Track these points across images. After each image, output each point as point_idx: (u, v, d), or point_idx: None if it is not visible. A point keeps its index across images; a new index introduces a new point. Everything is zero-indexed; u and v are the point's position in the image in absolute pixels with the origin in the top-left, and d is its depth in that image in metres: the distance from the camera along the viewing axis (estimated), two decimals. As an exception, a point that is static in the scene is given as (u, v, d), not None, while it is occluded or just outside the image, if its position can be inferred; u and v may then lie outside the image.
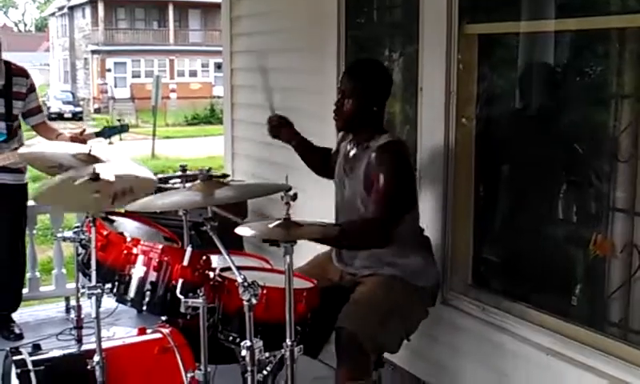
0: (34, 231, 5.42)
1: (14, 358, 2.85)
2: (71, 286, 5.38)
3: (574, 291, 3.48)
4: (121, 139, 4.73)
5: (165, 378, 2.91)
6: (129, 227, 3.38)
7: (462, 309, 3.71)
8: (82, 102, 39.42)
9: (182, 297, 2.71)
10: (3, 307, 4.94)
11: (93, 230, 2.87)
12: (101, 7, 40.90)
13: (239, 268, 2.66)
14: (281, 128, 3.74)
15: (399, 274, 3.23)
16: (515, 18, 3.66)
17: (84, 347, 3.10)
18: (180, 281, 2.74)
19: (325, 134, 4.61)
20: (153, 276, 2.84)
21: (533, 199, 3.69)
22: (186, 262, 2.76)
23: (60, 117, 32.89)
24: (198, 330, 2.76)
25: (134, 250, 2.90)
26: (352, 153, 3.32)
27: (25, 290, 5.31)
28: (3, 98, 4.52)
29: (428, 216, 3.65)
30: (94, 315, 2.76)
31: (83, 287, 2.86)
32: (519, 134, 3.77)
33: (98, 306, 2.76)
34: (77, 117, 35.39)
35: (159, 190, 3.33)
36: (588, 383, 3.06)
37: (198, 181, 2.81)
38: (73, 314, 3.37)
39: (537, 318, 3.38)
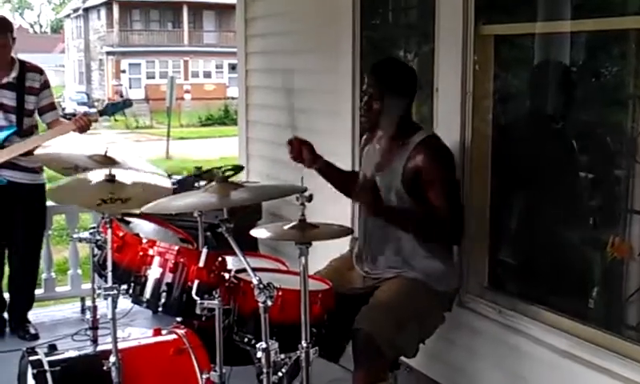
0: (50, 232, 5.44)
1: (31, 358, 2.86)
2: (86, 286, 5.40)
3: (591, 294, 3.46)
4: (124, 115, 4.76)
5: (180, 379, 2.91)
6: (145, 229, 3.39)
7: (478, 311, 3.69)
8: (96, 103, 39.55)
9: (197, 298, 2.71)
10: (17, 307, 4.97)
11: (109, 231, 2.87)
12: (116, 9, 41.09)
13: (254, 269, 2.66)
14: (302, 151, 3.53)
15: (422, 277, 3.22)
16: (531, 19, 3.65)
17: (100, 348, 3.11)
18: (196, 282, 2.74)
19: (339, 133, 4.63)
20: (169, 277, 2.84)
21: (549, 201, 3.66)
22: (201, 264, 2.76)
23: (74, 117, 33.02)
24: (213, 331, 2.76)
25: (150, 252, 2.90)
26: (384, 150, 3.31)
27: (40, 291, 5.35)
28: (15, 92, 4.56)
29: (444, 218, 3.63)
30: (110, 316, 2.77)
31: (99, 288, 2.87)
32: (535, 135, 3.75)
33: (114, 306, 2.77)
34: (92, 118, 35.49)
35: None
36: (604, 385, 3.04)
37: (214, 182, 2.81)
38: (88, 315, 3.37)
39: (553, 321, 3.36)
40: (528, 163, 3.74)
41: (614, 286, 3.39)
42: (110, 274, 2.84)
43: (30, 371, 2.83)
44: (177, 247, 2.93)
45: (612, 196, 3.44)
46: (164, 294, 2.84)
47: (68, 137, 4.62)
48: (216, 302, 2.69)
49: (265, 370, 2.56)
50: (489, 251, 3.80)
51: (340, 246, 3.47)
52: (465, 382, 3.78)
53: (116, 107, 4.81)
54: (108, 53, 41.48)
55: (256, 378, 2.90)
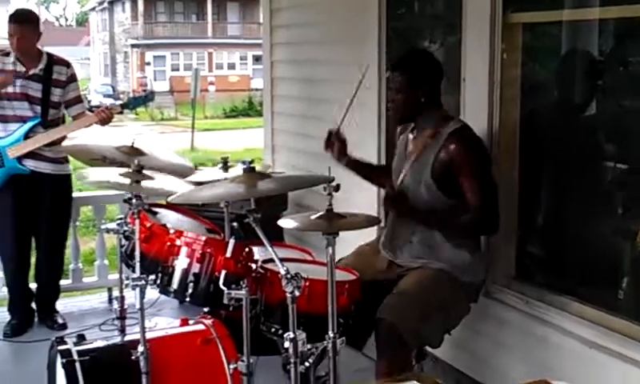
0: (77, 223, 5.49)
1: (60, 347, 2.89)
2: (113, 276, 5.44)
3: (620, 284, 3.42)
4: (146, 108, 4.82)
5: (207, 368, 2.93)
6: (171, 219, 3.40)
7: (505, 302, 3.67)
8: (121, 96, 39.77)
9: (224, 288, 2.72)
10: (45, 297, 5.02)
11: (137, 221, 2.89)
12: (140, 1, 41.26)
13: (281, 260, 2.66)
14: (335, 145, 3.55)
15: (448, 268, 3.21)
16: (559, 7, 3.61)
17: (127, 338, 3.13)
18: (223, 272, 2.75)
19: (365, 125, 4.61)
20: (196, 267, 2.86)
21: (577, 191, 3.62)
22: (228, 254, 2.76)
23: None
24: (239, 321, 2.76)
25: (177, 242, 2.92)
26: (415, 141, 3.32)
27: (68, 281, 5.40)
28: (41, 84, 4.61)
29: (471, 208, 3.61)
30: (137, 306, 2.78)
31: (127, 278, 2.88)
32: (564, 125, 3.71)
33: (142, 296, 2.78)
34: (117, 110, 35.71)
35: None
36: (633, 376, 3.01)
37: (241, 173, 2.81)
38: (115, 305, 3.40)
39: (581, 311, 3.33)
40: (556, 153, 3.71)
41: (643, 277, 3.35)
42: (137, 265, 2.85)
43: (59, 360, 2.85)
44: (204, 237, 2.94)
45: (641, 186, 3.40)
46: (191, 285, 2.85)
47: (94, 129, 4.66)
48: (243, 292, 2.69)
49: (292, 360, 2.56)
50: (516, 242, 3.77)
51: (367, 236, 3.46)
52: (491, 373, 3.76)
53: (138, 101, 4.88)
54: (133, 45, 41.67)
55: (282, 368, 2.91)
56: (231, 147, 20.49)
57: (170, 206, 3.61)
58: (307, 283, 2.69)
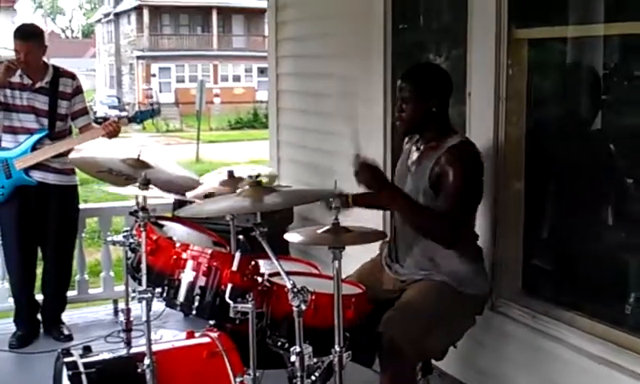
0: (83, 234, 5.50)
1: (65, 359, 2.89)
2: (119, 288, 5.46)
3: (627, 299, 3.41)
4: (153, 123, 4.85)
5: (213, 382, 2.93)
6: (178, 232, 3.40)
7: (511, 316, 3.66)
8: (127, 107, 39.84)
9: (231, 302, 2.72)
10: (51, 308, 5.02)
11: (143, 234, 2.89)
12: (146, 13, 41.43)
13: (287, 273, 2.66)
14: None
15: (449, 280, 3.20)
16: (564, 23, 3.62)
17: (133, 350, 3.13)
18: (229, 286, 2.75)
19: (372, 139, 4.62)
20: (202, 280, 2.86)
21: (584, 205, 3.62)
22: (235, 267, 2.76)
23: (105, 121, 33.26)
24: (245, 334, 2.77)
25: (184, 255, 2.92)
26: (417, 152, 3.32)
27: (74, 292, 5.40)
28: (48, 97, 4.65)
29: (477, 221, 3.61)
30: (144, 319, 2.79)
31: (133, 291, 2.88)
32: (570, 139, 3.71)
33: (149, 310, 2.78)
34: (122, 121, 35.76)
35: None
36: (641, 393, 3.00)
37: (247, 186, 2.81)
38: (121, 317, 3.39)
39: (588, 326, 3.32)
40: (562, 167, 3.71)
41: (651, 292, 3.35)
42: (144, 277, 2.86)
43: (65, 372, 2.85)
44: (210, 251, 2.94)
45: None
46: (197, 298, 2.85)
47: (100, 140, 4.69)
48: (249, 305, 2.70)
49: (298, 374, 2.56)
50: (522, 255, 3.77)
51: (370, 250, 3.46)
52: (498, 387, 3.75)
53: (145, 115, 4.89)
54: (138, 57, 41.81)
55: (287, 382, 2.90)
56: (236, 159, 20.52)
57: (176, 219, 3.62)
58: (313, 297, 2.68)
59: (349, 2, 4.99)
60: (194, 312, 2.88)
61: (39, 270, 5.02)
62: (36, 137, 4.60)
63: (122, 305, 4.24)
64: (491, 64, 3.64)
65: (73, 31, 73.91)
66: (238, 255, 2.80)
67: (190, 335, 3.18)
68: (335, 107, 5.16)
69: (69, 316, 5.21)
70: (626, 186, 3.51)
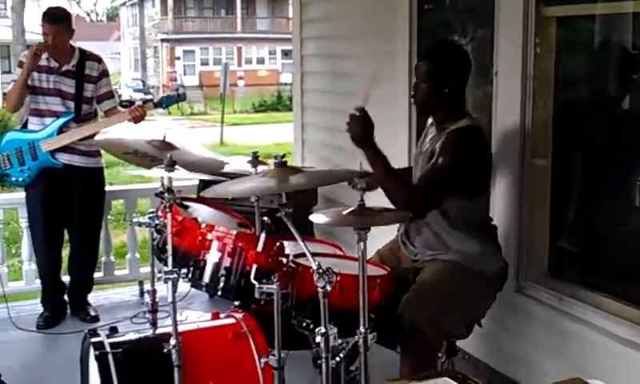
0: (109, 216, 5.53)
1: (92, 340, 2.90)
2: (144, 270, 5.49)
3: (655, 281, 3.37)
4: (178, 107, 4.86)
5: (238, 362, 2.92)
6: (202, 213, 3.41)
7: (537, 298, 3.64)
8: (151, 90, 40.01)
9: (256, 282, 2.72)
10: (77, 289, 5.07)
11: (168, 215, 2.89)
12: (170, -4, 41.49)
13: (313, 254, 2.65)
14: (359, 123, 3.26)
15: (459, 259, 3.19)
16: (593, 0, 3.56)
17: (159, 331, 3.14)
18: (254, 266, 2.74)
19: (396, 120, 4.59)
20: (227, 261, 2.87)
21: (611, 186, 3.58)
22: (260, 248, 2.76)
23: (131, 104, 32.71)
24: (269, 315, 2.76)
25: (209, 236, 2.93)
26: (431, 134, 3.31)
27: (100, 274, 5.44)
28: (74, 80, 4.67)
29: (503, 203, 3.59)
30: (170, 299, 2.79)
31: (159, 272, 2.89)
32: (598, 119, 3.66)
33: (175, 290, 2.79)
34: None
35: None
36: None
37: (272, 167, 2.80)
38: (147, 298, 3.41)
39: (616, 309, 3.30)
40: (589, 148, 3.67)
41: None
42: (170, 258, 2.86)
43: (92, 352, 2.87)
44: (235, 232, 2.94)
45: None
46: (222, 279, 2.86)
47: (124, 125, 4.70)
48: (274, 286, 2.69)
49: (324, 355, 2.55)
50: (549, 237, 3.74)
51: (393, 230, 3.45)
52: (524, 370, 3.73)
53: (170, 100, 4.90)
54: (163, 40, 41.88)
55: (312, 362, 2.90)
56: (260, 141, 20.53)
57: (201, 200, 3.62)
58: (338, 278, 2.67)
59: (374, -19, 4.95)
60: (219, 293, 2.89)
61: (65, 252, 5.06)
62: (62, 120, 4.63)
63: (147, 286, 4.26)
64: (518, 43, 3.59)
65: (97, 14, 74.19)
66: (263, 236, 2.79)
67: (215, 316, 3.18)
68: (360, 88, 5.12)
69: (95, 297, 5.25)
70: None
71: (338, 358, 2.64)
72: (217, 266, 2.88)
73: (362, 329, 2.60)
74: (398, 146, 4.47)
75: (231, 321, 3.06)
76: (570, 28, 3.79)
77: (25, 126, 4.82)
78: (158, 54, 43.07)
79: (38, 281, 5.08)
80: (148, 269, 3.84)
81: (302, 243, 2.64)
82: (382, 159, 3.17)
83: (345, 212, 2.64)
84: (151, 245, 3.30)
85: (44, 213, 4.76)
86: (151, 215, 3.24)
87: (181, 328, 2.86)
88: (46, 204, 4.75)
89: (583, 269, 3.70)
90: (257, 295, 2.72)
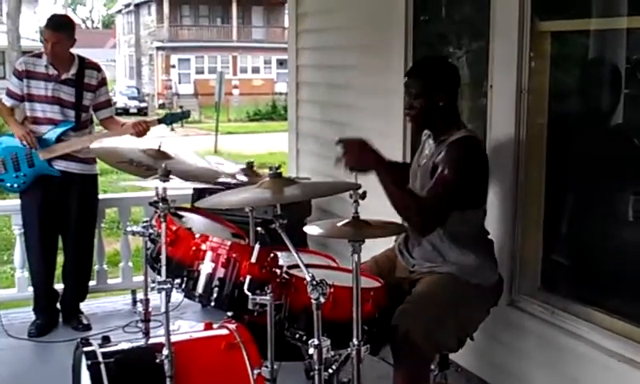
0: (102, 224, 5.52)
1: (85, 349, 2.89)
2: (137, 279, 5.48)
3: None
4: (182, 126, 4.86)
5: (231, 373, 2.92)
6: (197, 223, 3.41)
7: (530, 311, 3.64)
8: (146, 98, 40.05)
9: (249, 293, 2.72)
10: (71, 298, 5.05)
11: (163, 225, 2.89)
12: (166, 4, 41.49)
13: (307, 266, 2.65)
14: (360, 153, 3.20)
15: (455, 271, 3.19)
16: (588, 15, 3.59)
17: (152, 340, 3.13)
18: (248, 277, 2.74)
19: (391, 132, 4.60)
20: (221, 272, 2.86)
21: (605, 200, 3.59)
22: (254, 259, 2.76)
23: (125, 112, 33.39)
24: (262, 326, 2.76)
25: (203, 246, 2.93)
26: (429, 148, 3.32)
27: (92, 282, 5.42)
28: (74, 88, 4.67)
29: (496, 216, 3.60)
30: (163, 309, 2.79)
31: (153, 281, 2.89)
32: (592, 133, 3.68)
33: (168, 300, 2.79)
34: (142, 112, 35.88)
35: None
36: (661, 391, 2.98)
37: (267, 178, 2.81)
38: (139, 307, 3.40)
39: (608, 323, 3.30)
40: (584, 161, 3.68)
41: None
42: (163, 268, 2.86)
43: (84, 362, 2.86)
44: (229, 242, 2.94)
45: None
46: (216, 289, 2.86)
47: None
48: (268, 297, 2.69)
49: (316, 367, 2.55)
50: (542, 250, 3.75)
51: (388, 242, 3.45)
52: (515, 383, 3.73)
53: (175, 117, 4.91)
54: (158, 48, 41.92)
55: (304, 373, 2.90)
56: (255, 150, 20.55)
57: (196, 210, 3.62)
58: (332, 290, 2.68)
59: (370, -7, 4.97)
60: (212, 303, 2.89)
61: (59, 259, 5.05)
62: (62, 128, 4.63)
63: (140, 295, 4.26)
64: (513, 57, 3.61)
65: (93, 21, 74.27)
66: (257, 247, 2.80)
67: (208, 326, 3.18)
68: (355, 100, 5.15)
69: (87, 306, 5.23)
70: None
71: (330, 370, 2.65)
72: (210, 277, 2.87)
73: (355, 341, 2.60)
74: (392, 157, 4.46)
75: (224, 331, 3.05)
76: (564, 43, 3.80)
77: (18, 131, 4.80)
78: (154, 61, 43.09)
79: (31, 288, 5.06)
80: (141, 278, 3.83)
81: (296, 255, 2.64)
82: (387, 169, 3.16)
83: (339, 224, 2.65)
84: (145, 254, 3.29)
85: (40, 220, 4.75)
86: (145, 224, 3.24)
87: (173, 338, 2.86)
88: (42, 211, 4.74)
89: (576, 283, 3.70)
90: (250, 306, 2.72)
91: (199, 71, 41.72)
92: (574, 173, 3.73)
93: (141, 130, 4.62)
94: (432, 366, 3.26)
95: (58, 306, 5.04)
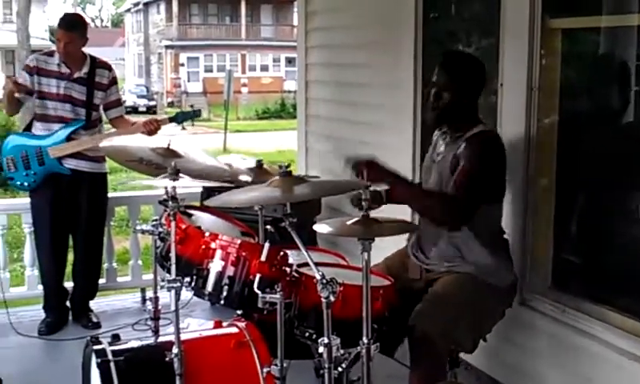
0: (111, 222, 5.53)
1: (95, 347, 2.89)
2: (147, 277, 5.48)
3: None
4: (193, 124, 4.86)
5: (241, 372, 2.91)
6: (206, 221, 3.40)
7: (541, 310, 3.63)
8: (155, 96, 40.12)
9: (259, 292, 2.71)
10: (81, 296, 5.06)
11: (172, 223, 2.89)
12: (175, 3, 41.56)
13: (316, 264, 2.64)
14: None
15: (474, 271, 3.19)
16: (598, 13, 3.57)
17: (161, 339, 3.13)
18: (257, 276, 2.74)
19: (401, 129, 4.59)
20: (230, 270, 2.85)
21: (616, 198, 3.57)
22: (263, 258, 2.75)
23: (134, 110, 33.48)
24: (271, 324, 2.75)
25: (212, 245, 2.91)
26: (444, 142, 3.30)
27: (102, 280, 5.43)
28: (85, 87, 4.68)
29: (507, 214, 3.57)
30: (172, 308, 2.79)
31: (162, 280, 2.88)
32: (603, 131, 3.66)
33: (178, 299, 2.78)
34: (151, 110, 35.99)
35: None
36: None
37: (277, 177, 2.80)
38: (149, 305, 3.40)
39: (620, 322, 3.28)
40: (594, 160, 3.65)
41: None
42: (173, 267, 2.85)
43: (94, 360, 2.86)
44: (239, 241, 2.93)
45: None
46: (226, 287, 2.85)
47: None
48: (278, 296, 2.68)
49: (326, 366, 2.54)
50: (553, 249, 3.73)
51: (398, 241, 3.44)
52: (526, 382, 3.72)
53: (186, 115, 4.92)
54: (167, 46, 41.99)
55: (314, 372, 2.89)
56: (263, 149, 20.57)
57: (205, 208, 3.62)
58: (341, 288, 2.67)
59: (379, -10, 4.96)
60: (222, 302, 2.88)
61: (69, 257, 5.06)
62: (72, 127, 4.64)
63: (149, 293, 4.26)
64: (524, 54, 3.59)
65: (102, 20, 74.47)
66: (266, 245, 2.79)
67: (218, 325, 3.18)
68: (365, 97, 5.14)
69: (97, 304, 5.24)
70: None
71: (340, 368, 2.64)
72: (220, 275, 2.86)
73: (364, 339, 2.59)
74: (402, 154, 4.46)
75: (234, 330, 3.05)
76: (575, 40, 3.78)
77: (27, 129, 4.82)
78: (162, 60, 43.17)
79: (41, 287, 5.07)
80: (150, 276, 3.83)
81: (306, 253, 2.64)
82: (404, 180, 3.20)
83: (349, 222, 2.64)
84: (154, 252, 3.29)
85: (51, 219, 4.76)
86: (155, 223, 3.24)
87: (183, 336, 2.85)
88: (52, 210, 4.75)
89: (587, 281, 3.68)
90: (260, 305, 2.72)
91: (208, 69, 41.75)
92: (585, 170, 3.71)
93: (152, 129, 4.62)
94: (446, 366, 3.26)
95: (68, 304, 5.05)
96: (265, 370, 2.81)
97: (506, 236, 3.38)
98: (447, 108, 3.21)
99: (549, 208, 3.71)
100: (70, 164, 4.67)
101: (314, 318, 2.75)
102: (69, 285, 5.07)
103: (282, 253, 2.83)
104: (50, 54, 4.73)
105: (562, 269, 3.75)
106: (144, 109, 35.76)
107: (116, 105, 4.89)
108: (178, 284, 2.78)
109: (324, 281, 2.51)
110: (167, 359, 2.75)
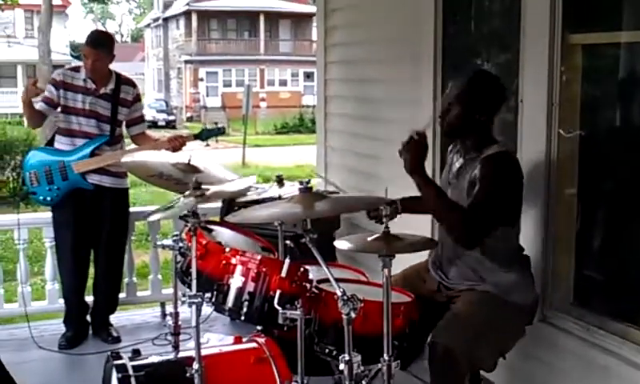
0: (132, 237, 5.55)
1: (115, 362, 2.91)
2: (167, 291, 5.50)
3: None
4: (217, 141, 4.87)
5: (261, 388, 2.92)
6: (226, 236, 3.42)
7: (563, 328, 3.59)
8: (175, 111, 40.35)
9: (279, 308, 2.72)
10: (101, 310, 5.08)
11: (193, 239, 2.91)
12: (194, 18, 41.84)
13: (337, 280, 2.64)
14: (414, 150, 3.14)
15: (494, 290, 3.18)
16: (619, 28, 3.55)
17: (181, 354, 3.14)
18: (278, 292, 2.74)
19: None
20: (251, 286, 2.86)
21: (638, 214, 3.54)
22: (284, 274, 2.76)
23: (154, 125, 33.66)
24: (291, 340, 2.76)
25: (233, 260, 2.93)
26: (458, 163, 3.30)
27: (122, 295, 5.45)
28: (110, 103, 4.72)
29: (528, 231, 3.56)
30: (193, 323, 2.80)
31: (183, 295, 2.90)
32: (625, 147, 3.63)
33: (198, 314, 2.79)
34: (170, 125, 36.22)
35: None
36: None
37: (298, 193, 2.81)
38: (169, 320, 3.41)
39: (643, 341, 3.24)
40: (617, 175, 3.63)
41: None
42: (194, 282, 2.87)
43: (114, 375, 2.88)
44: (259, 256, 2.94)
45: None
46: (246, 303, 2.86)
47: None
48: (298, 312, 2.69)
49: (347, 382, 2.54)
50: (575, 265, 3.70)
51: (418, 256, 3.43)
52: (548, 400, 3.68)
53: (211, 133, 4.94)
54: (186, 61, 42.25)
55: (333, 388, 2.89)
56: (282, 163, 20.60)
57: (225, 224, 3.63)
58: (362, 304, 2.66)
59: (399, 6, 4.96)
60: (242, 317, 2.89)
61: (90, 272, 5.08)
62: (96, 142, 4.67)
63: (169, 308, 4.27)
64: (544, 70, 3.58)
65: (122, 35, 75.03)
66: (287, 261, 2.79)
67: (238, 340, 3.19)
68: (385, 112, 5.14)
69: (117, 318, 5.26)
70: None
71: (360, 385, 2.63)
72: (240, 291, 2.87)
73: (385, 356, 2.59)
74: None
75: (253, 345, 3.06)
76: (596, 56, 3.76)
77: (49, 143, 4.86)
78: (182, 75, 43.44)
79: (61, 301, 5.10)
80: (170, 290, 3.85)
81: (326, 270, 2.64)
82: (433, 185, 3.18)
83: (370, 238, 2.64)
84: (174, 267, 3.31)
85: (73, 234, 4.79)
86: (175, 238, 3.26)
87: (203, 352, 2.87)
88: (75, 225, 4.77)
89: (610, 299, 3.65)
90: (280, 321, 2.72)
91: (227, 84, 41.95)
92: (607, 186, 3.68)
93: (177, 145, 4.63)
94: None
95: (88, 318, 5.07)
96: (285, 385, 2.82)
97: (525, 252, 3.36)
98: (456, 123, 3.20)
99: (570, 224, 3.68)
100: (93, 179, 4.70)
101: (334, 334, 2.75)
102: (89, 299, 5.09)
103: (302, 269, 2.84)
104: (77, 69, 4.78)
105: (585, 286, 3.72)
106: (163, 123, 35.98)
107: (139, 121, 4.94)
108: (199, 300, 2.80)
109: (345, 297, 2.51)
110: (188, 375, 2.76)
